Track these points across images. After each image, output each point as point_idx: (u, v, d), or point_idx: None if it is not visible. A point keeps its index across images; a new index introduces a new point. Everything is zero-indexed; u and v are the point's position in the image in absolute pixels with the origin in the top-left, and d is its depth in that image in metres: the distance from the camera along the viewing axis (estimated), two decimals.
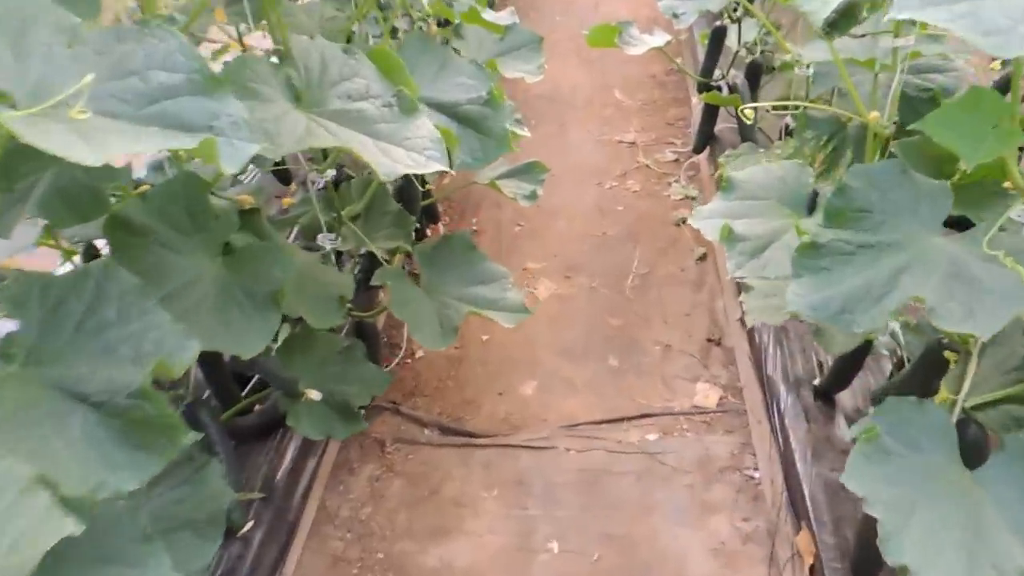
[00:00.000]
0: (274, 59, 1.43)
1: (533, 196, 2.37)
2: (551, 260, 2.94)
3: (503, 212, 3.18)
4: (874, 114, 1.48)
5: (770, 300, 1.70)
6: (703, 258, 2.94)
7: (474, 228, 3.10)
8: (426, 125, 1.34)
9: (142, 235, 1.33)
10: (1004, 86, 2.21)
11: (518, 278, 2.84)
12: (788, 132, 2.69)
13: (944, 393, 1.28)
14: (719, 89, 3.17)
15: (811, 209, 1.55)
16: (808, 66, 1.90)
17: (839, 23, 1.34)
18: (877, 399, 1.62)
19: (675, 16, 2.52)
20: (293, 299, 1.56)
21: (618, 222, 3.16)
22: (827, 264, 1.21)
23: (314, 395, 1.66)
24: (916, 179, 1.29)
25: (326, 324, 1.58)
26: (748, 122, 1.86)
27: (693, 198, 3.30)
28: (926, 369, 1.45)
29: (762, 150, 3.11)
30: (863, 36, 1.66)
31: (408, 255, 2.13)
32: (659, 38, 3.00)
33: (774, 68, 3.20)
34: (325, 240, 1.89)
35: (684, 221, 3.15)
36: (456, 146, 1.52)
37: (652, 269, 2.89)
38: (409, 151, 1.30)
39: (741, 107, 1.70)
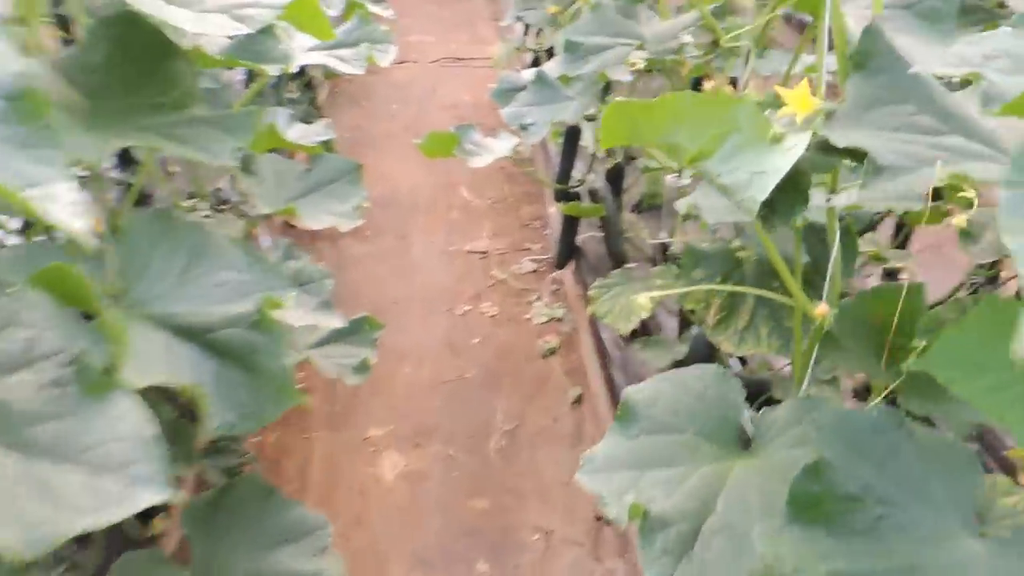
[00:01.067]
0: None
1: (364, 369, 1.82)
2: (398, 422, 2.38)
3: None
4: (822, 308, 1.04)
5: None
6: (578, 401, 2.47)
7: (301, 386, 2.50)
8: (130, 416, 0.77)
9: None
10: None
11: (358, 453, 2.27)
12: (666, 255, 2.29)
13: None
14: (577, 196, 2.77)
15: (745, 441, 1.09)
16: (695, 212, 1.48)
17: (779, 207, 0.89)
18: None
19: (523, 128, 2.08)
20: None
21: (475, 360, 2.65)
22: None
23: None
24: (918, 437, 0.85)
25: None
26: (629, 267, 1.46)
27: (559, 319, 2.85)
28: None
29: (634, 266, 2.72)
30: None
31: (200, 487, 1.53)
32: (506, 142, 2.57)
33: (633, 159, 2.83)
34: None
35: (552, 352, 2.69)
36: (210, 402, 0.96)
37: (521, 423, 2.39)
38: (95, 474, 0.73)
39: (635, 297, 1.24)
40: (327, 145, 1.96)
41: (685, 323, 2.11)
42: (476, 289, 3.04)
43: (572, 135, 2.76)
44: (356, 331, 1.93)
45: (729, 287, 1.44)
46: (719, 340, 1.63)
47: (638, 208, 3.14)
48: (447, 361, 2.64)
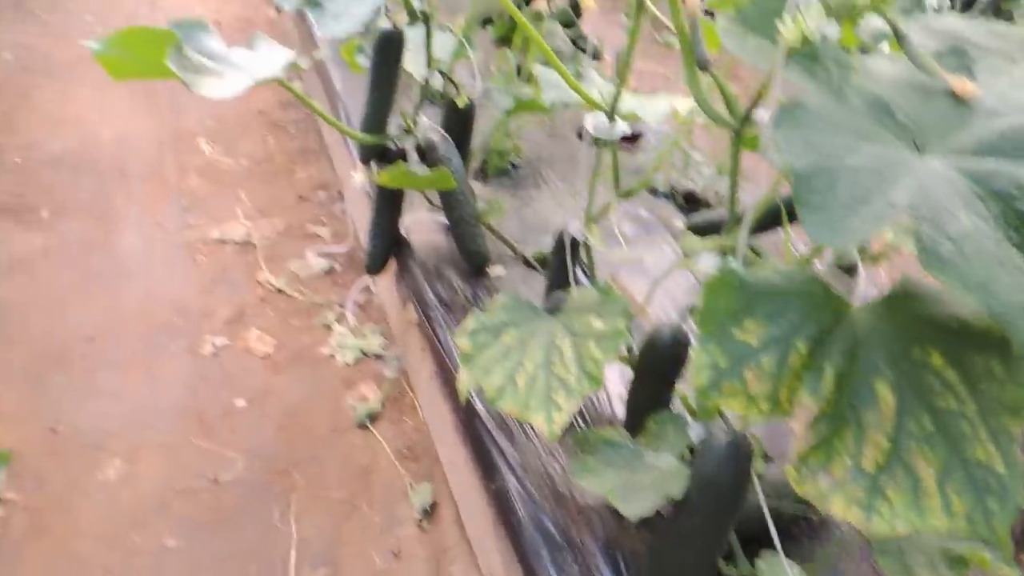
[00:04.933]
0: None
1: None
2: None
3: None
4: None
5: None
6: (431, 512, 1.44)
7: None
8: None
9: None
10: None
11: None
12: (572, 256, 1.27)
13: None
14: (401, 154, 1.68)
15: None
16: None
17: None
18: None
19: None
20: None
21: (241, 443, 1.52)
22: None
23: None
24: None
25: None
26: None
27: (378, 356, 1.78)
28: None
29: (500, 273, 1.71)
30: None
31: None
32: (273, 55, 1.41)
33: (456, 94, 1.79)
34: None
35: (372, 418, 1.62)
36: None
37: (334, 568, 1.32)
38: None
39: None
40: None
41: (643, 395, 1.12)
42: (236, 306, 1.87)
43: (385, 51, 1.65)
44: None
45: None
46: (820, 495, 0.71)
47: (482, 174, 2.12)
48: (189, 446, 1.48)
